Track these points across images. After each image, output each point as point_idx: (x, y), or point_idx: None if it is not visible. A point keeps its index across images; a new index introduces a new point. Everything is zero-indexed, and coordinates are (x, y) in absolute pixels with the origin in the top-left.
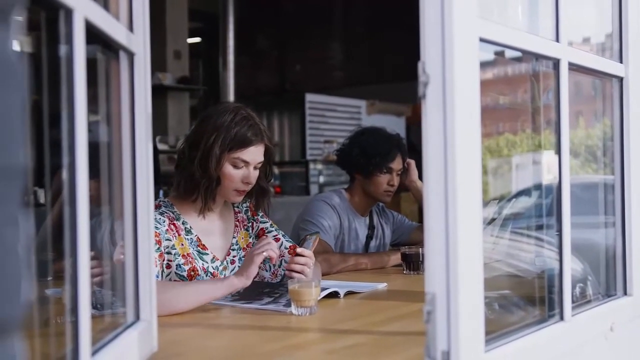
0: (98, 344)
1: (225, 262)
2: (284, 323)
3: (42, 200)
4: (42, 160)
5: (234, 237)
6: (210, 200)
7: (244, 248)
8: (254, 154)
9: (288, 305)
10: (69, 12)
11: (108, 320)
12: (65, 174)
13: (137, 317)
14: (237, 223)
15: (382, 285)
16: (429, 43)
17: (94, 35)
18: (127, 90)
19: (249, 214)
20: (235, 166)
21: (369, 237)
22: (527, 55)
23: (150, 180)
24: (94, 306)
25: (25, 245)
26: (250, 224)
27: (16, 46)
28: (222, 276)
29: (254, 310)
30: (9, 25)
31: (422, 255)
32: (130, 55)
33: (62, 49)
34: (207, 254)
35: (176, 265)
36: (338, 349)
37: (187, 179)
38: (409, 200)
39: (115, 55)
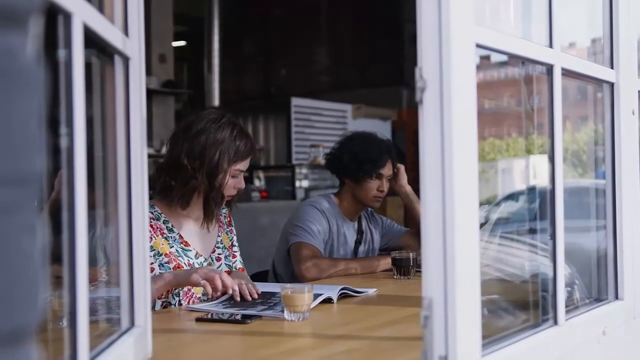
0: (94, 351)
1: (210, 259)
2: (277, 329)
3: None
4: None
5: (218, 236)
6: (217, 211)
7: (228, 247)
8: (248, 163)
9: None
10: (67, 17)
11: (102, 327)
12: (63, 178)
13: (132, 324)
14: (220, 224)
15: (372, 291)
16: (426, 49)
17: (89, 39)
18: (122, 94)
19: (227, 220)
20: (234, 176)
21: (358, 242)
22: (513, 60)
23: (145, 185)
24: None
25: (41, 251)
26: (230, 229)
27: (33, 52)
28: None
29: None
30: (26, 31)
31: (413, 259)
32: (126, 60)
33: (60, 53)
34: (190, 250)
35: (159, 264)
36: (333, 354)
37: (190, 191)
38: (394, 205)
39: (109, 59)
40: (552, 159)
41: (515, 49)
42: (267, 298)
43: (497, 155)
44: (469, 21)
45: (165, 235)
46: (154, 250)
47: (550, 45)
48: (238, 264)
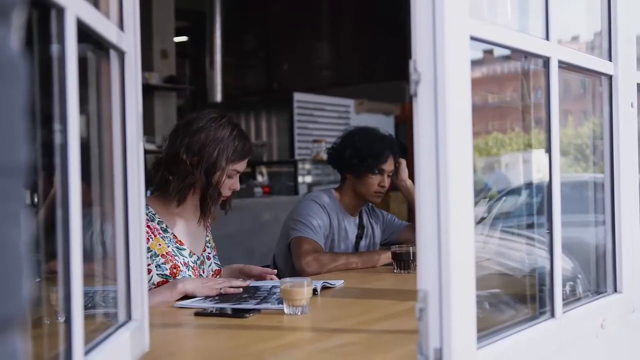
0: (90, 344)
1: (202, 257)
2: (275, 322)
3: (28, 201)
4: (31, 161)
5: (207, 236)
6: (214, 208)
7: (213, 247)
8: (245, 164)
9: (280, 302)
10: (60, 11)
11: (99, 320)
12: (57, 175)
13: (129, 317)
14: (208, 224)
15: (339, 282)
16: (420, 41)
17: (84, 34)
18: (118, 89)
19: (210, 221)
20: (229, 176)
21: (359, 237)
22: (516, 54)
23: (142, 180)
24: (85, 306)
25: (26, 242)
26: (210, 230)
27: (17, 44)
28: (201, 270)
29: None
30: (9, 23)
31: (413, 254)
32: (121, 54)
33: (54, 48)
34: (185, 249)
35: (156, 265)
36: (331, 347)
37: (187, 187)
38: (397, 200)
39: (105, 54)
40: (549, 152)
41: (510, 42)
42: (253, 292)
43: (500, 150)
44: (464, 13)
45: (161, 236)
46: (151, 251)
47: (547, 38)
48: (214, 266)
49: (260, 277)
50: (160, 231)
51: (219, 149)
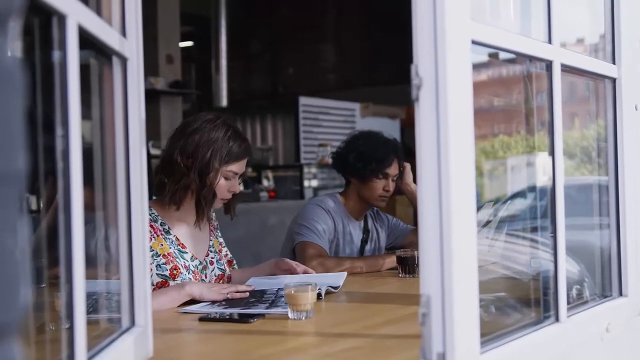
0: (93, 350)
1: (204, 262)
2: (280, 327)
3: (33, 207)
4: (34, 167)
5: (210, 240)
6: (208, 210)
7: (218, 251)
8: (243, 166)
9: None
10: (62, 18)
11: (103, 326)
12: (59, 180)
13: (133, 323)
14: (212, 228)
15: (342, 276)
16: (421, 46)
17: (86, 40)
18: (120, 95)
19: (216, 223)
20: (226, 178)
21: (364, 241)
22: (521, 57)
23: (145, 185)
24: (88, 311)
25: (23, 250)
26: (218, 233)
27: (14, 52)
28: (203, 275)
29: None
30: (6, 31)
31: (417, 258)
32: (124, 61)
33: (55, 55)
34: (187, 252)
35: (157, 265)
36: (335, 352)
37: (182, 189)
38: (403, 204)
39: (108, 60)
40: (552, 155)
41: (512, 45)
42: (260, 297)
43: (506, 153)
44: (465, 17)
45: (164, 237)
46: (153, 250)
47: (549, 41)
48: (227, 258)
49: (290, 270)
50: (163, 232)
51: (212, 150)
